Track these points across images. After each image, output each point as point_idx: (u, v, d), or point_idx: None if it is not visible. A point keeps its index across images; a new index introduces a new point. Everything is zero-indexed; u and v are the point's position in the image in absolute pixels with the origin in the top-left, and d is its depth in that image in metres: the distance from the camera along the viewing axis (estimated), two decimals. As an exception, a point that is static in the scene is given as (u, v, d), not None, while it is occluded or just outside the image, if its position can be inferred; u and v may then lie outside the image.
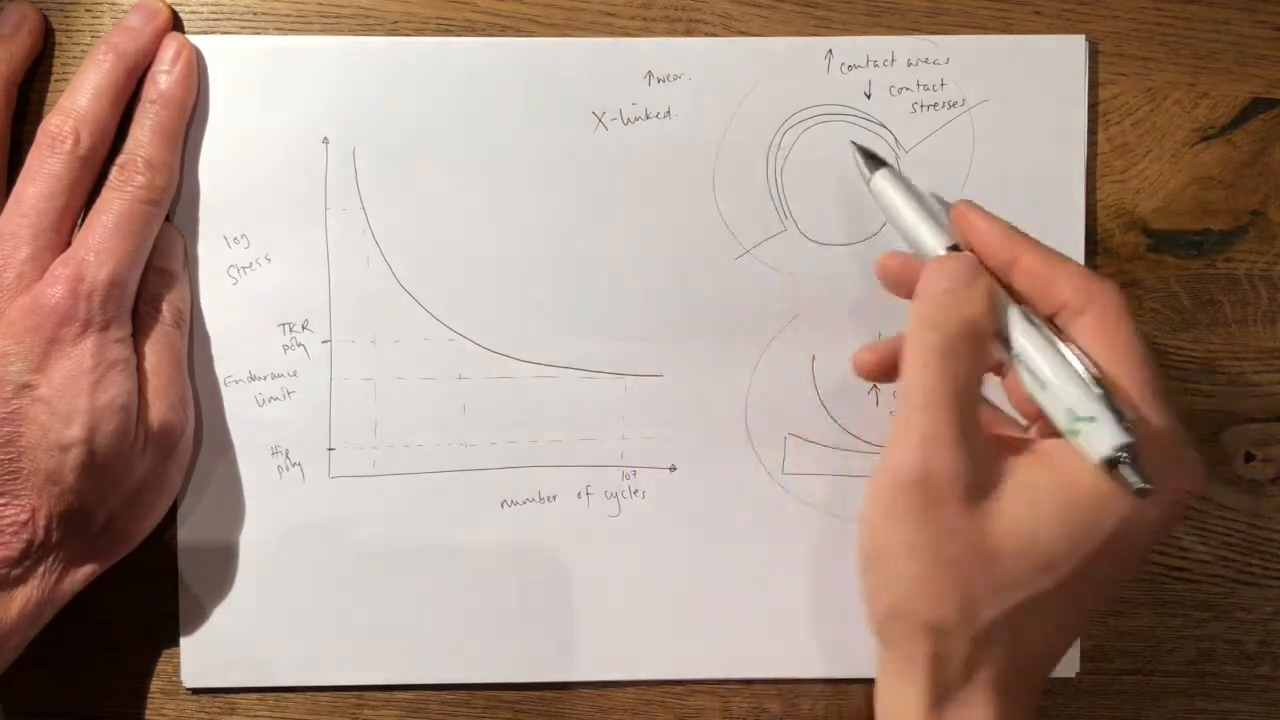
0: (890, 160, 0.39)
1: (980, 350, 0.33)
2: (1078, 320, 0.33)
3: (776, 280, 0.42)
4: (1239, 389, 0.43)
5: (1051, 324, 0.34)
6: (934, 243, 0.35)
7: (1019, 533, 0.31)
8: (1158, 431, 0.32)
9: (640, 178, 0.41)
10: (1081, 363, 0.32)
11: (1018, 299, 0.34)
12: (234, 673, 0.41)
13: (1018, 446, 0.33)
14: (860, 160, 0.38)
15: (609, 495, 0.42)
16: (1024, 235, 0.35)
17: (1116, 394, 0.31)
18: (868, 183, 0.37)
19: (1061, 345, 0.32)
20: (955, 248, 0.35)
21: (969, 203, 0.36)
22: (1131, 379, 0.32)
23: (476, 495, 0.41)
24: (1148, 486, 0.30)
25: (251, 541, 0.41)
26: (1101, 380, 0.31)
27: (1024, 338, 0.33)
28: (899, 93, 0.42)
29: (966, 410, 0.32)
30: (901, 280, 0.37)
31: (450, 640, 0.42)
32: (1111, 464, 0.30)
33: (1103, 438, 0.30)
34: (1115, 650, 0.43)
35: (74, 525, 0.37)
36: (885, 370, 0.38)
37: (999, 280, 0.34)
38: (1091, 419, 0.30)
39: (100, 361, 0.36)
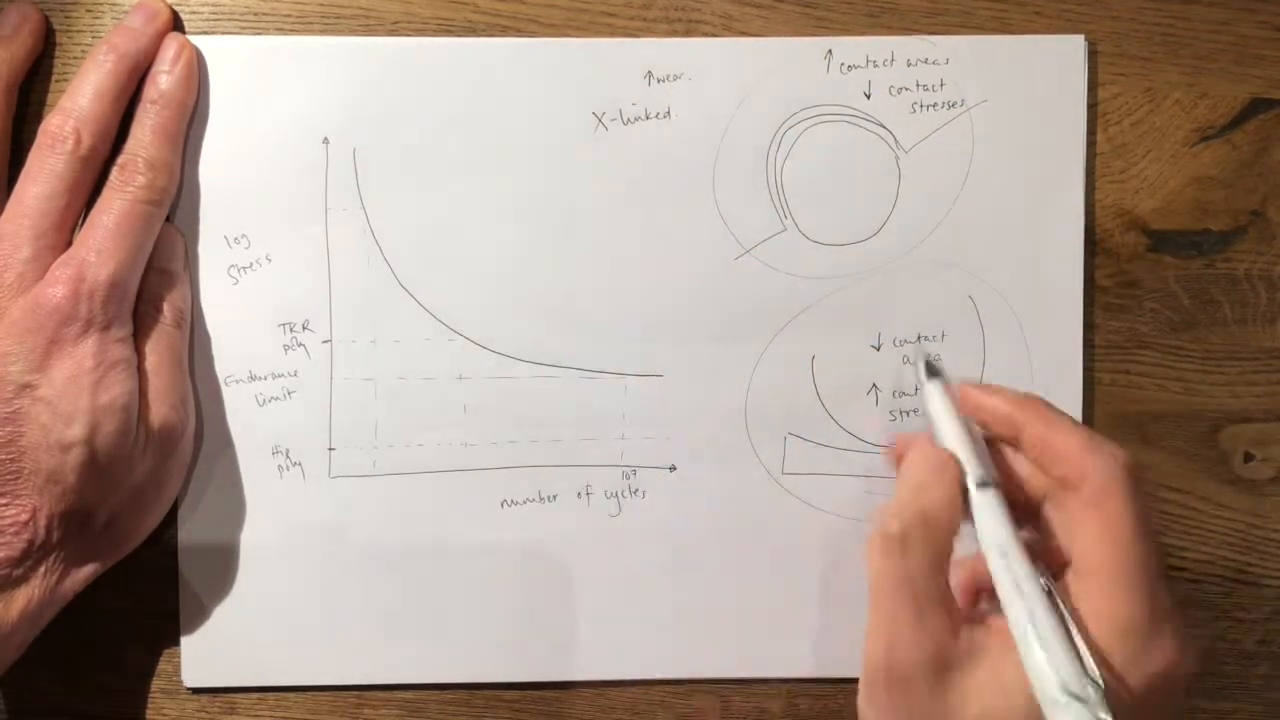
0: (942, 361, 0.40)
1: (936, 542, 0.33)
2: (1073, 496, 0.32)
3: (776, 280, 0.42)
4: (1239, 389, 0.43)
5: (1057, 587, 0.32)
6: (972, 465, 0.34)
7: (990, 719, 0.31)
8: (1143, 620, 0.30)
9: (640, 178, 0.41)
10: (1077, 631, 0.30)
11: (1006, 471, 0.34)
12: (234, 672, 0.41)
13: (997, 628, 0.32)
14: (921, 368, 0.38)
15: (609, 495, 0.42)
16: (1032, 405, 0.34)
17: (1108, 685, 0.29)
18: (920, 387, 0.38)
19: (1062, 607, 0.31)
20: (984, 484, 0.34)
21: (973, 385, 0.36)
22: (1116, 563, 0.31)
23: (476, 495, 0.41)
24: None
25: (252, 541, 0.41)
26: (1094, 655, 0.30)
27: (1023, 582, 0.31)
28: (899, 93, 0.42)
29: (926, 597, 0.32)
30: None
31: (450, 640, 0.42)
32: None
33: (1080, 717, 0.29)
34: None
35: (75, 525, 0.37)
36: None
37: (1011, 454, 0.34)
38: (1078, 697, 0.29)
39: (101, 361, 0.36)
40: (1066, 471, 0.33)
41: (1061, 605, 0.30)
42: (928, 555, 0.32)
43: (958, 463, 0.34)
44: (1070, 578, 0.32)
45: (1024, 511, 0.34)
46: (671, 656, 0.42)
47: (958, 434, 0.35)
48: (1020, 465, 0.35)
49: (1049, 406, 0.35)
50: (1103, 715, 0.28)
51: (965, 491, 0.34)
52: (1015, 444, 0.35)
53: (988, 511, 0.33)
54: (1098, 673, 0.29)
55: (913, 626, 0.32)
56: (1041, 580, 0.31)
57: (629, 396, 0.42)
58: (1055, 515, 0.34)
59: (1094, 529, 0.31)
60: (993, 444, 0.36)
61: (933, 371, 0.38)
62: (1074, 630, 0.30)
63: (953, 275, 0.42)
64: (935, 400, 0.37)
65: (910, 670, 0.31)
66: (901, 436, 0.38)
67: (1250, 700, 0.44)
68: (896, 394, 0.42)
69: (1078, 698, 0.29)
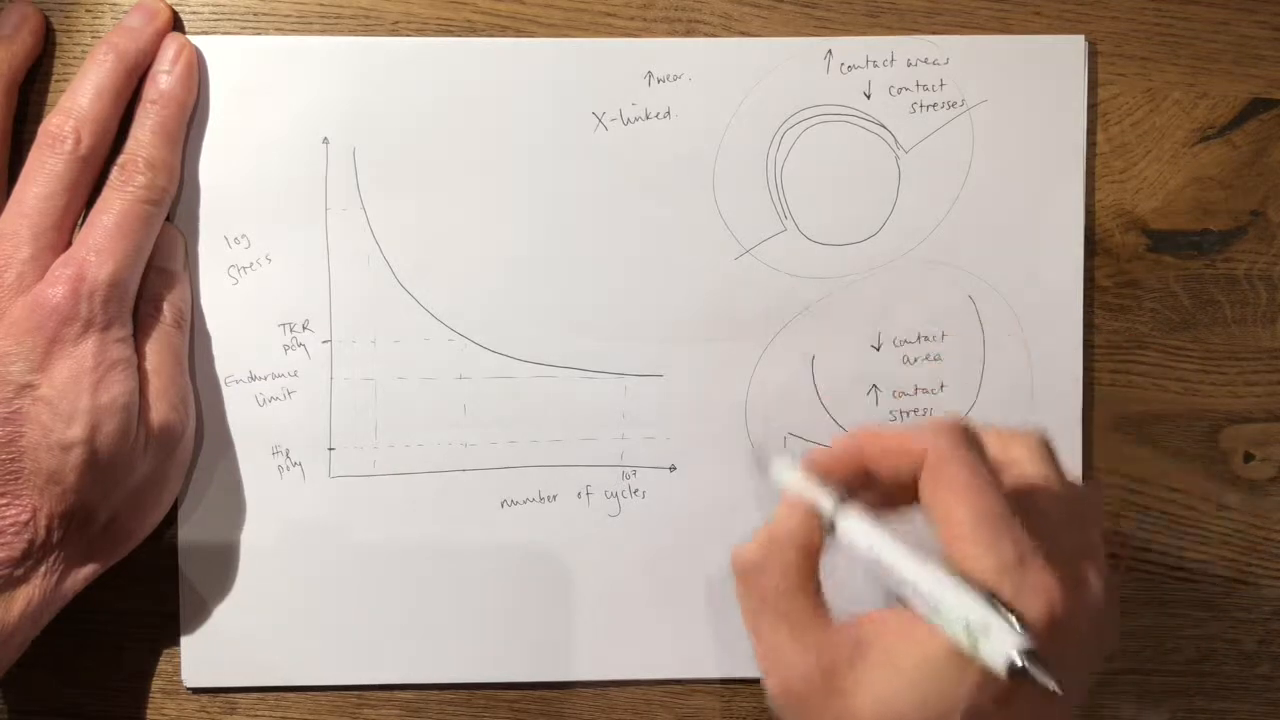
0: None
1: (791, 561, 0.33)
2: (924, 481, 0.33)
3: (776, 280, 0.42)
4: (1239, 389, 0.43)
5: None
6: (822, 496, 0.35)
7: (890, 706, 0.31)
8: (1011, 560, 0.30)
9: (640, 178, 0.41)
10: (961, 574, 0.31)
11: (887, 490, 0.34)
12: (234, 672, 0.41)
13: (879, 619, 0.33)
14: (761, 456, 0.39)
15: (609, 495, 0.42)
16: (859, 431, 0.35)
17: (1000, 595, 0.30)
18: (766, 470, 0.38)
19: (936, 563, 0.31)
20: (838, 503, 0.34)
21: (813, 450, 0.37)
22: (969, 517, 0.31)
23: (476, 495, 0.41)
24: (1056, 688, 0.28)
25: (252, 541, 0.41)
26: (984, 586, 0.30)
27: (899, 563, 0.32)
28: (899, 93, 0.42)
29: (795, 614, 0.32)
30: None
31: (450, 640, 0.42)
32: (1019, 673, 0.29)
33: (998, 646, 0.29)
34: (1115, 650, 0.43)
35: (75, 525, 0.37)
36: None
37: (865, 484, 0.35)
38: (985, 629, 0.29)
39: (101, 361, 0.36)
40: (912, 463, 0.33)
41: (939, 561, 0.31)
42: (786, 576, 0.33)
43: (806, 497, 0.35)
44: (942, 551, 0.33)
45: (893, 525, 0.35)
46: (671, 656, 0.42)
47: (802, 484, 0.36)
48: (882, 496, 0.35)
49: (871, 426, 0.36)
50: (1016, 630, 0.29)
51: (827, 527, 0.34)
52: (866, 478, 0.35)
53: (848, 522, 0.34)
54: (998, 601, 0.30)
55: (791, 646, 0.32)
56: (913, 550, 0.32)
57: (629, 396, 0.42)
58: (922, 506, 0.34)
59: (943, 493, 0.32)
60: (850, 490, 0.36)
61: (777, 456, 0.38)
62: (959, 576, 0.30)
63: (953, 275, 0.42)
64: (781, 472, 0.37)
65: (803, 687, 0.32)
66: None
67: (1250, 700, 0.44)
68: (896, 394, 0.42)
69: (987, 629, 0.29)
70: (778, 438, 0.42)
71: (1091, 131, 0.42)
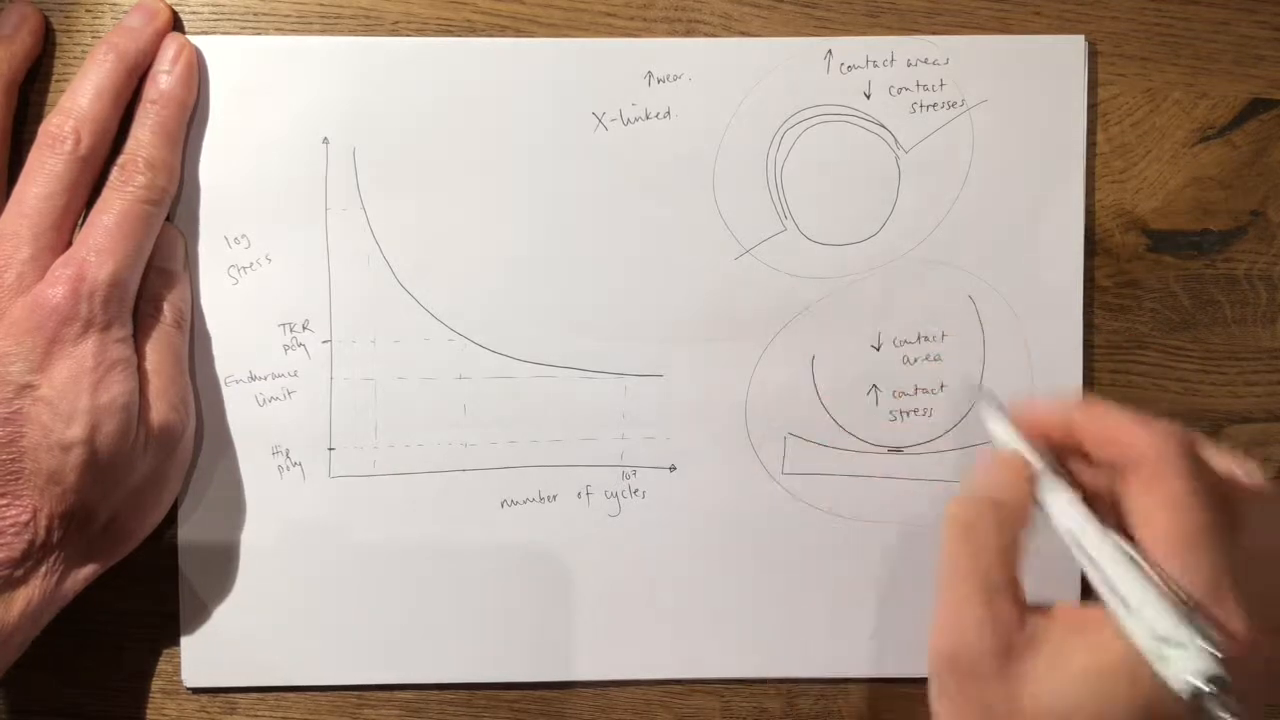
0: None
1: (1005, 529, 0.33)
2: (1134, 479, 0.32)
3: (776, 280, 0.42)
4: (1239, 389, 0.43)
5: (1130, 539, 0.32)
6: (1036, 458, 0.35)
7: (1050, 705, 0.30)
8: (1207, 586, 0.30)
9: (640, 178, 0.41)
10: (1164, 582, 0.30)
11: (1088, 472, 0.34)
12: (234, 672, 0.41)
13: (1059, 614, 0.32)
14: (981, 403, 0.38)
15: (609, 495, 0.42)
16: (1081, 404, 0.35)
17: (1204, 614, 0.29)
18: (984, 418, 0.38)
19: (1142, 562, 0.31)
20: (1050, 473, 0.34)
21: (1026, 401, 0.36)
22: (1176, 531, 0.30)
23: (476, 495, 0.41)
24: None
25: (252, 541, 0.41)
26: (1189, 601, 0.29)
27: (1102, 555, 0.31)
28: (899, 93, 0.42)
29: (992, 585, 0.32)
30: None
31: (450, 640, 0.42)
32: (1200, 698, 0.28)
33: (1187, 665, 0.28)
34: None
35: (75, 525, 0.37)
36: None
37: (1071, 463, 0.35)
38: (1179, 644, 0.28)
39: (101, 361, 0.36)
40: (1125, 456, 0.32)
41: (1144, 561, 0.30)
42: (997, 543, 0.32)
43: (1024, 460, 0.34)
44: (1146, 554, 0.32)
45: (1095, 509, 0.34)
46: (671, 656, 0.42)
47: (1019, 442, 0.35)
48: (1083, 471, 0.35)
49: (1097, 402, 0.35)
50: (1212, 653, 0.28)
51: (1035, 491, 0.34)
52: (1074, 450, 0.35)
53: (1057, 496, 0.33)
54: (1199, 618, 0.29)
55: (979, 614, 0.31)
56: (1122, 545, 0.31)
57: (629, 396, 0.42)
58: (1123, 502, 0.33)
59: (1153, 500, 0.31)
60: (1056, 455, 0.36)
61: (989, 401, 0.38)
62: (1162, 583, 0.29)
63: (953, 275, 0.42)
64: (994, 423, 0.37)
65: (977, 659, 0.31)
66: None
67: (1250, 700, 0.44)
68: (896, 394, 0.42)
69: (1180, 645, 0.28)
70: (778, 438, 0.42)
71: (1091, 131, 0.42)
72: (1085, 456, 0.34)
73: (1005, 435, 0.36)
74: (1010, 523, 0.33)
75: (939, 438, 0.42)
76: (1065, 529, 0.33)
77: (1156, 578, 0.30)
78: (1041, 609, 0.33)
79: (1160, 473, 0.31)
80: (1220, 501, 0.31)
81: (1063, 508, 0.33)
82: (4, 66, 0.39)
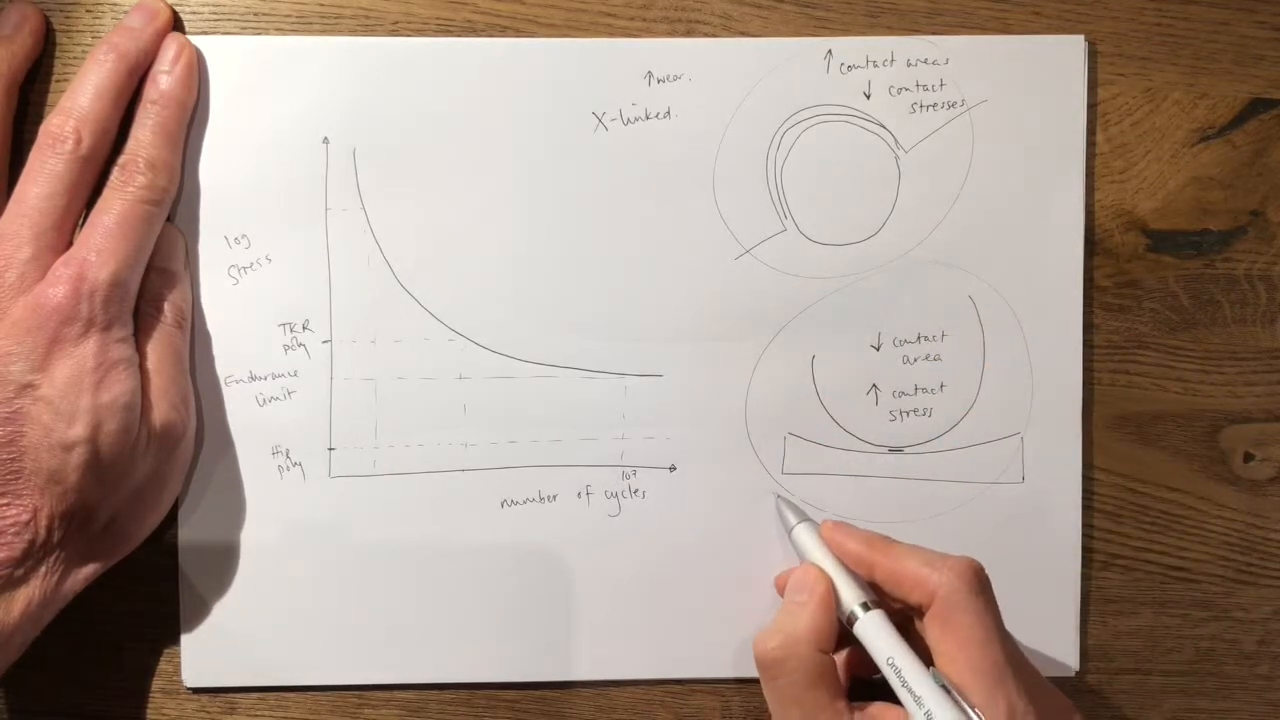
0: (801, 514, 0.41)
1: (811, 658, 0.36)
2: (929, 615, 0.35)
3: (776, 280, 0.42)
4: (1239, 389, 0.43)
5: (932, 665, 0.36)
6: (851, 591, 0.38)
7: None
8: (1003, 716, 0.33)
9: (640, 178, 0.41)
10: (972, 710, 0.33)
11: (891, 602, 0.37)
12: (234, 672, 0.41)
13: (880, 714, 0.35)
14: (784, 511, 0.41)
15: (609, 495, 0.42)
16: (878, 542, 0.38)
17: None
18: (789, 532, 0.41)
19: (956, 695, 0.34)
20: (864, 605, 0.37)
21: (834, 524, 0.39)
22: (970, 668, 0.34)
23: (476, 495, 0.41)
24: None
25: (252, 541, 0.41)
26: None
27: (921, 687, 0.34)
28: (899, 93, 0.42)
29: (812, 708, 0.35)
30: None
31: (450, 640, 0.42)
32: None
33: None
34: (1115, 650, 0.43)
35: (76, 525, 0.37)
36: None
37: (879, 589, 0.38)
38: None
39: (102, 361, 0.36)
40: (918, 595, 0.36)
41: (959, 698, 0.34)
42: (806, 672, 0.35)
43: (831, 586, 0.37)
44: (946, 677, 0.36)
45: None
46: (671, 656, 0.42)
47: (832, 565, 0.38)
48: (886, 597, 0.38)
49: (892, 541, 0.38)
50: None
51: (849, 618, 0.37)
52: (872, 580, 0.38)
53: (873, 629, 0.36)
54: None
55: None
56: (934, 679, 0.34)
57: (629, 396, 0.42)
58: (925, 636, 0.36)
59: (948, 640, 0.35)
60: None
61: (799, 517, 0.41)
62: (971, 712, 0.33)
63: (953, 275, 0.42)
64: (806, 541, 0.40)
65: None
66: (783, 573, 0.41)
67: (1250, 700, 0.44)
68: (896, 394, 0.42)
69: None
70: (778, 438, 0.42)
71: (1091, 131, 0.42)
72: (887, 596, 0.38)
73: (814, 554, 0.39)
74: (815, 654, 0.36)
75: (939, 437, 0.42)
76: (881, 658, 0.36)
77: (966, 706, 0.33)
78: (866, 714, 0.36)
79: (952, 611, 0.35)
80: (1002, 628, 0.35)
81: (880, 641, 0.36)
82: (4, 66, 0.39)
